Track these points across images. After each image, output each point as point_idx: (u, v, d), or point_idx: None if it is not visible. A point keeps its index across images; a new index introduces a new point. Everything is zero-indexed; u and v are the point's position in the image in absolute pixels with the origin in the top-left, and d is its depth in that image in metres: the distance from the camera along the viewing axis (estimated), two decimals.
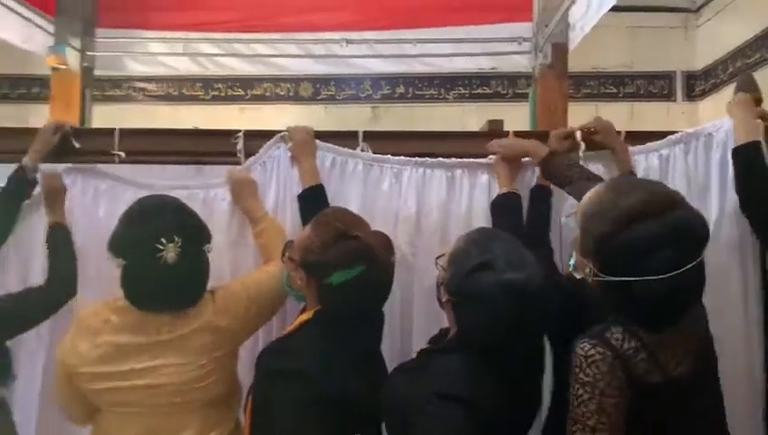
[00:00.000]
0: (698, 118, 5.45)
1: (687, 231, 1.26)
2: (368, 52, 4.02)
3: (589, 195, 1.36)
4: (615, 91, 5.75)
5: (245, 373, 1.74)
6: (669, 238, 1.23)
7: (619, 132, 2.04)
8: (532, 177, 2.02)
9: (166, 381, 1.53)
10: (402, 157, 2.04)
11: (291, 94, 5.77)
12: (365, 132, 2.08)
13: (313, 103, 5.76)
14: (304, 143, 1.99)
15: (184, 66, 4.19)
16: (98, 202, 2.03)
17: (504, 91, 5.70)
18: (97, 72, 4.13)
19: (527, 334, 1.34)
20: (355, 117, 5.57)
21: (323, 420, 1.37)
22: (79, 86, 3.94)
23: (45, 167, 1.99)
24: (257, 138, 2.04)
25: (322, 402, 1.38)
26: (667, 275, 1.21)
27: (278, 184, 2.00)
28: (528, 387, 1.39)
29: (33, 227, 2.00)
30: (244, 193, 1.95)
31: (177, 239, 1.49)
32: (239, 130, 2.04)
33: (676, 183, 1.98)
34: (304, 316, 1.54)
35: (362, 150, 2.06)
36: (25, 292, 1.82)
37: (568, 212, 1.42)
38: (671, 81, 5.70)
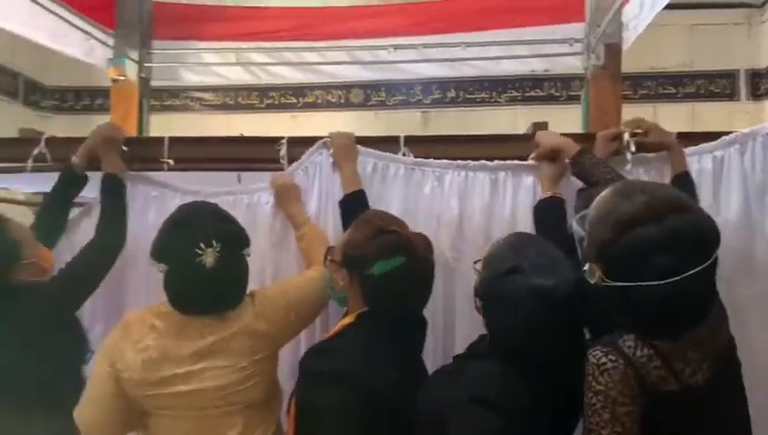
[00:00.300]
0: (764, 117, 5.21)
1: (690, 236, 1.20)
2: (416, 56, 4.01)
3: (597, 199, 1.34)
4: (674, 91, 5.56)
5: (286, 377, 1.77)
6: (668, 243, 1.19)
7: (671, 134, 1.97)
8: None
9: (209, 385, 1.56)
10: (444, 160, 2.02)
11: (342, 101, 5.83)
12: (406, 137, 2.07)
13: (364, 109, 5.80)
14: (345, 149, 2.00)
15: (236, 75, 4.28)
16: (148, 209, 2.08)
17: (558, 94, 5.60)
18: (154, 83, 4.27)
19: (554, 340, 1.32)
20: (406, 122, 5.58)
21: (364, 421, 1.38)
22: (137, 97, 4.08)
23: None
24: (300, 144, 2.06)
25: (363, 403, 1.38)
26: (666, 281, 1.17)
27: (320, 190, 2.02)
28: (565, 393, 1.35)
29: (87, 233, 2.07)
30: (287, 197, 1.98)
31: (215, 244, 1.53)
32: (282, 137, 2.07)
33: (732, 185, 1.90)
34: (347, 320, 1.56)
35: (404, 155, 2.05)
36: (78, 255, 1.86)
37: (580, 214, 1.41)
38: (734, 80, 5.47)
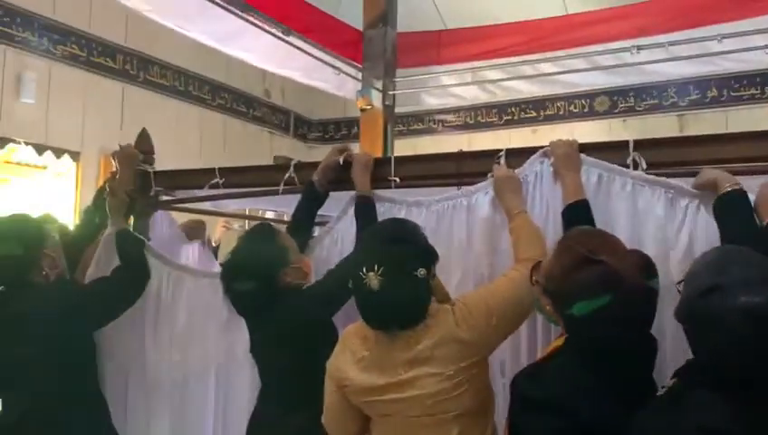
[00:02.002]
0: None
1: None
2: (663, 56, 3.69)
3: None
4: None
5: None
6: None
7: None
8: None
9: (419, 393, 1.59)
10: (679, 182, 1.77)
11: (585, 110, 5.59)
12: (637, 141, 1.88)
13: (610, 117, 5.49)
14: (567, 157, 1.90)
15: (472, 94, 4.38)
16: None
17: None
18: (397, 110, 4.53)
19: None
20: (658, 127, 5.15)
21: None
22: (382, 123, 4.38)
23: None
24: (520, 155, 2.01)
25: (572, 434, 1.31)
26: None
27: (541, 201, 1.94)
28: None
29: (329, 249, 2.26)
30: (505, 188, 1.94)
31: (377, 268, 1.56)
32: (501, 150, 2.04)
33: None
34: (558, 341, 1.49)
35: (634, 162, 1.87)
36: (339, 266, 2.03)
37: None
38: None
